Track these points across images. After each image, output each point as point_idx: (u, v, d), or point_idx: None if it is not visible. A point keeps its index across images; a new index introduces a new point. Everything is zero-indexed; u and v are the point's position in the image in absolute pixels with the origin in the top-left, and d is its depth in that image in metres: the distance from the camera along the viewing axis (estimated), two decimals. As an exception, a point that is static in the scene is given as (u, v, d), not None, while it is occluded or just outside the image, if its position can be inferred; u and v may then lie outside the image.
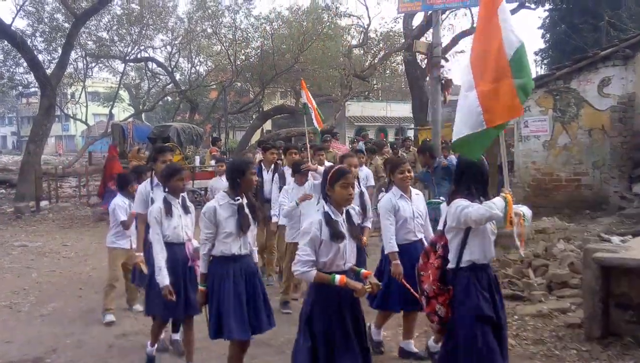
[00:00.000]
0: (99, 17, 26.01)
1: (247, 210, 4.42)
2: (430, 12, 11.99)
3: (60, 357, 5.59)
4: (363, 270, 3.96)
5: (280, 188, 7.37)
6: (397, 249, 5.03)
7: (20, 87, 30.18)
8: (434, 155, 7.94)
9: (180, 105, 33.68)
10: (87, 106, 36.64)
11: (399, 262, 4.98)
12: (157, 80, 35.99)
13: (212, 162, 14.63)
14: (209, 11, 26.72)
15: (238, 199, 4.39)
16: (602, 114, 11.63)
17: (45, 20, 24.58)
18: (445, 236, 4.05)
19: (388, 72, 28.92)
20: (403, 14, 19.72)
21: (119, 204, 6.58)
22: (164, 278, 4.70)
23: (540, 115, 12.36)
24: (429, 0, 9.30)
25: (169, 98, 38.07)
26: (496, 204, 3.74)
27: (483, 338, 3.74)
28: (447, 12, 21.65)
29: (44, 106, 17.62)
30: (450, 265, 3.97)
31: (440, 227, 4.30)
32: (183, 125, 18.11)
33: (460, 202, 3.87)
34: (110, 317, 6.46)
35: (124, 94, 41.68)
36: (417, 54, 16.94)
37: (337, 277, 3.71)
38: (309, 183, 6.68)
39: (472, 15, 22.65)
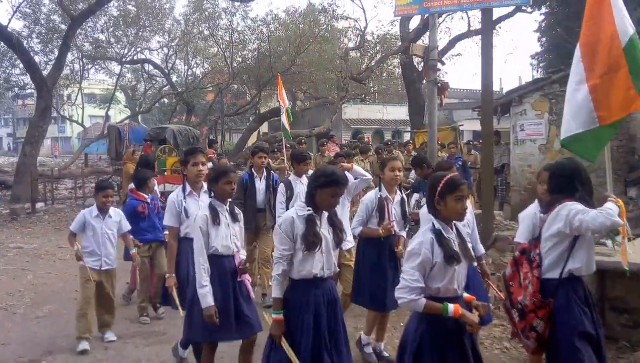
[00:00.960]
0: (96, 19, 26.00)
1: (319, 224, 3.72)
2: (426, 15, 11.99)
3: (56, 359, 5.59)
4: (465, 294, 3.48)
5: (289, 199, 6.54)
6: None
7: (16, 89, 30.11)
8: (429, 164, 7.70)
9: (177, 107, 33.67)
10: (83, 108, 36.59)
11: None
12: (154, 82, 36.01)
13: (209, 164, 14.63)
14: (206, 13, 26.76)
15: (309, 209, 3.69)
16: (597, 117, 11.67)
17: (42, 21, 24.54)
18: (538, 243, 3.77)
19: (384, 74, 28.98)
20: (400, 17, 19.77)
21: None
22: (207, 297, 4.07)
23: (536, 118, 12.38)
24: (426, 3, 9.30)
25: (166, 100, 38.09)
26: (613, 211, 3.50)
27: (585, 357, 3.50)
28: (444, 16, 21.71)
29: (40, 108, 17.59)
30: (551, 275, 3.70)
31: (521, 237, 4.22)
32: (179, 127, 18.11)
33: (575, 206, 3.54)
34: (84, 345, 5.71)
35: (120, 95, 41.65)
36: (413, 56, 16.96)
37: (451, 306, 3.22)
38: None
39: (468, 18, 22.74)
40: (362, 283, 5.28)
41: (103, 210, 5.95)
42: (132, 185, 7.23)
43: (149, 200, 6.74)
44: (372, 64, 24.50)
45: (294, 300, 3.67)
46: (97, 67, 32.55)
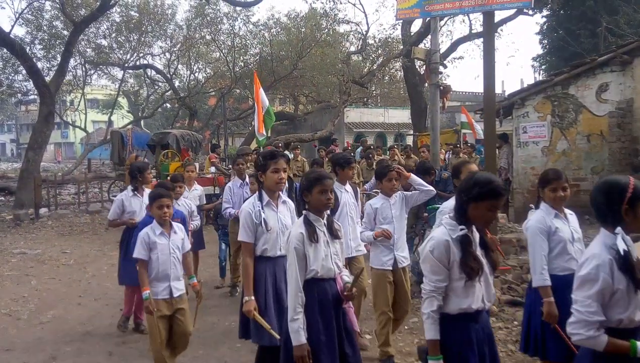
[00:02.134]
0: (98, 25, 26.09)
1: (475, 244, 3.07)
2: (428, 18, 12.01)
3: (60, 364, 5.59)
4: None
5: (334, 211, 5.44)
6: (549, 283, 4.09)
7: (19, 95, 30.21)
8: (431, 171, 7.66)
9: (179, 112, 33.72)
10: (86, 113, 36.67)
11: (552, 300, 4.04)
12: (156, 87, 36.06)
13: (212, 169, 14.65)
14: (208, 18, 26.81)
15: (463, 228, 3.02)
16: (600, 119, 11.67)
17: (44, 27, 24.61)
18: None
19: (387, 78, 28.99)
20: (401, 21, 19.79)
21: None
22: (299, 334, 3.42)
23: (539, 121, 12.39)
24: (427, 7, 9.31)
25: (168, 105, 38.17)
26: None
27: None
28: (446, 19, 21.73)
29: (43, 113, 17.64)
30: None
31: None
32: (182, 131, 18.12)
33: None
34: None
35: (123, 101, 41.78)
36: (415, 60, 16.97)
37: None
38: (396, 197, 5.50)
39: (470, 21, 22.75)
40: None
41: (165, 225, 4.88)
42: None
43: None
44: (374, 67, 24.49)
45: (451, 340, 3.05)
46: (99, 72, 32.61)
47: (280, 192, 4.37)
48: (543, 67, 28.30)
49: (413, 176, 5.41)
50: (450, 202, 5.19)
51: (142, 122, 36.34)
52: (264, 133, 10.70)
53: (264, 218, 4.21)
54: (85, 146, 36.54)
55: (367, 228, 5.40)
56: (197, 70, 32.79)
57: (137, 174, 6.64)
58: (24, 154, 19.51)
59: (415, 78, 21.90)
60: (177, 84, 32.31)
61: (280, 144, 15.51)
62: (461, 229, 2.99)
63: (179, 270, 4.90)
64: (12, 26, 24.04)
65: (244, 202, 6.18)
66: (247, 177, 7.53)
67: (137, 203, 6.47)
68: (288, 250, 3.59)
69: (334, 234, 3.71)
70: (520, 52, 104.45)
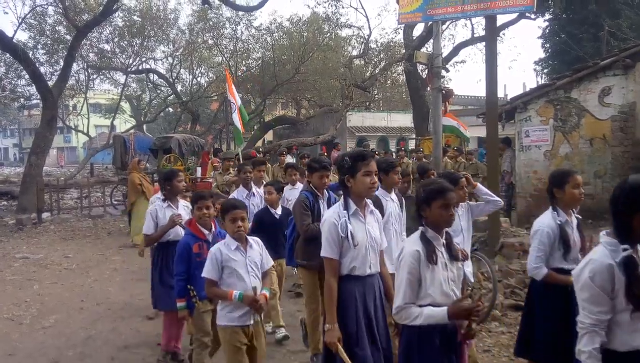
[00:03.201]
0: (101, 29, 26.16)
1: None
2: (430, 22, 12.03)
3: (62, 369, 5.58)
4: None
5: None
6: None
7: (22, 99, 30.29)
8: (431, 173, 7.62)
9: (182, 116, 33.79)
10: (88, 118, 36.77)
11: None
12: (159, 91, 36.16)
13: (212, 173, 14.64)
14: (210, 23, 26.89)
15: (626, 248, 2.52)
16: (603, 123, 11.65)
17: (47, 32, 24.71)
18: None
19: (389, 82, 29.00)
20: (403, 25, 19.81)
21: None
22: None
23: (541, 124, 12.37)
24: (429, 11, 9.32)
25: (171, 109, 38.21)
26: None
27: None
28: (448, 23, 21.76)
29: (45, 118, 17.67)
30: None
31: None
32: (184, 136, 18.14)
33: None
34: None
35: (125, 105, 41.87)
36: (417, 64, 16.99)
37: None
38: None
39: (472, 25, 22.79)
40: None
41: (241, 239, 4.16)
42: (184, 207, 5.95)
43: (210, 238, 4.79)
44: (376, 71, 24.53)
45: None
46: (102, 77, 32.71)
47: (367, 200, 3.77)
48: (545, 70, 28.33)
49: (479, 186, 5.17)
50: None
51: (144, 126, 36.38)
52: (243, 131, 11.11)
53: (350, 231, 3.56)
54: (88, 150, 36.56)
55: None
56: (200, 74, 32.89)
57: (164, 183, 5.86)
58: (27, 158, 19.55)
59: (418, 82, 21.93)
60: (179, 88, 32.38)
61: (284, 151, 15.38)
62: (624, 249, 2.51)
63: (259, 291, 4.09)
64: (15, 31, 24.19)
65: (251, 216, 6.06)
66: (253, 186, 6.92)
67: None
68: (399, 268, 3.14)
69: (453, 255, 3.19)
70: (523, 56, 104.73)
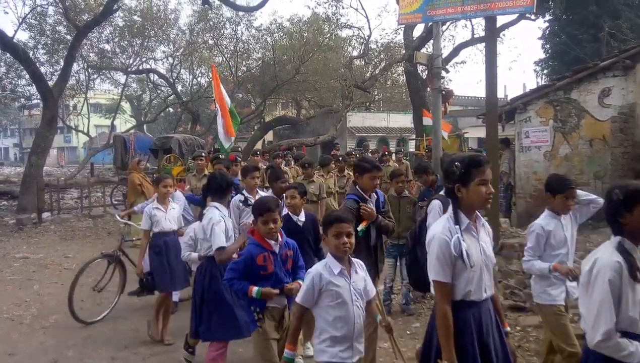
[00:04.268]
0: (101, 29, 26.14)
1: None
2: (430, 23, 12.03)
3: (62, 369, 5.59)
4: None
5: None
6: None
7: (22, 99, 30.27)
8: (432, 172, 7.67)
9: (182, 116, 33.80)
10: (89, 118, 36.78)
11: None
12: (159, 91, 36.17)
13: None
14: (211, 23, 26.87)
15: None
16: (602, 124, 11.66)
17: (48, 32, 24.69)
18: None
19: (389, 82, 28.98)
20: (403, 26, 19.81)
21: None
22: None
23: (541, 125, 12.38)
24: (429, 11, 9.32)
25: (171, 109, 38.23)
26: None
27: None
28: (448, 24, 21.75)
29: (46, 118, 17.67)
30: None
31: None
32: (185, 136, 18.15)
33: None
34: None
35: (125, 105, 41.89)
36: (417, 65, 16.99)
37: None
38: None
39: (472, 26, 22.78)
40: None
41: (344, 260, 3.56)
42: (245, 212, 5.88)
43: (277, 249, 4.25)
44: (377, 72, 24.50)
45: None
46: (102, 77, 32.72)
47: (477, 212, 3.26)
48: (545, 71, 28.34)
49: (578, 191, 4.72)
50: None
51: (144, 126, 36.40)
52: (231, 138, 9.94)
53: (465, 250, 3.03)
54: (88, 150, 36.61)
55: (534, 256, 4.43)
56: (200, 74, 32.84)
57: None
58: (27, 158, 19.56)
59: (418, 82, 21.91)
60: (179, 88, 32.38)
61: (281, 154, 15.10)
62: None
63: (362, 325, 3.56)
64: (16, 31, 24.15)
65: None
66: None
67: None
68: (594, 283, 2.74)
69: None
70: (523, 57, 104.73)
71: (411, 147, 22.77)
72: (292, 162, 12.90)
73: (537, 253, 4.38)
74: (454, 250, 3.01)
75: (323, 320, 3.47)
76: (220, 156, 10.45)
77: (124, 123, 44.29)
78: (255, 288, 4.03)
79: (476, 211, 3.20)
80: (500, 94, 12.41)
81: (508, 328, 3.34)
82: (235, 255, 4.72)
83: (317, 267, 3.54)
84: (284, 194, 5.61)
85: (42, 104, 18.82)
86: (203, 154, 10.41)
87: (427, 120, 16.91)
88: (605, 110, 11.62)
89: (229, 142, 9.75)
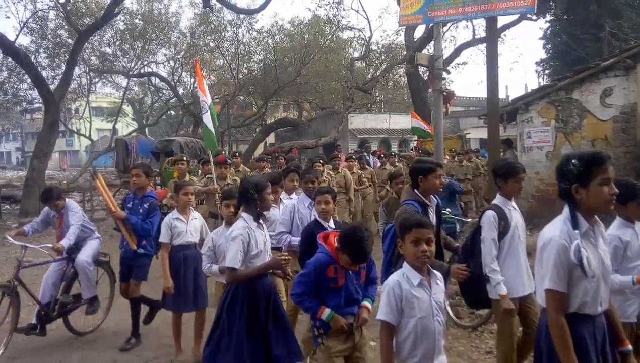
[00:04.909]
0: (102, 33, 26.24)
1: None
2: (431, 24, 12.05)
3: (65, 372, 5.59)
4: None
5: (504, 233, 4.48)
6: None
7: (24, 103, 30.35)
8: None
9: (184, 119, 33.86)
10: (90, 121, 36.86)
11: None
12: (160, 94, 36.24)
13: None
14: (212, 25, 26.93)
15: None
16: (604, 124, 11.64)
17: (49, 36, 24.77)
18: None
19: (390, 84, 29.04)
20: (404, 27, 19.83)
21: None
22: None
23: (543, 125, 12.36)
24: (430, 13, 9.33)
25: (172, 112, 38.29)
26: None
27: None
28: (449, 25, 21.78)
29: (48, 122, 17.71)
30: None
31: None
32: (186, 139, 18.20)
33: None
34: None
35: (127, 108, 41.96)
36: (419, 66, 17.01)
37: None
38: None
39: (473, 27, 22.81)
40: None
41: (423, 269, 3.25)
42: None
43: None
44: (378, 73, 24.56)
45: None
46: (104, 80, 32.84)
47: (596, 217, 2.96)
48: (547, 71, 28.37)
49: None
50: None
51: (146, 129, 36.49)
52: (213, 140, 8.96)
53: (585, 257, 2.75)
54: (90, 154, 36.69)
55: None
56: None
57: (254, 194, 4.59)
58: (29, 162, 19.60)
59: (419, 84, 21.95)
60: (181, 91, 32.45)
61: (266, 158, 14.53)
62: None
63: (443, 341, 3.28)
64: (17, 35, 24.06)
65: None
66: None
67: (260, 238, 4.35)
68: (541, 257, 2.79)
69: None
70: (524, 57, 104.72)
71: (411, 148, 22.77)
72: (283, 165, 12.68)
73: (614, 267, 3.79)
74: (574, 257, 2.75)
75: (400, 336, 3.16)
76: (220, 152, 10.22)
77: (126, 126, 44.39)
78: (326, 311, 3.67)
79: (595, 216, 2.92)
80: (501, 95, 12.43)
81: (629, 347, 3.00)
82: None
83: (394, 278, 3.20)
84: (316, 199, 5.06)
85: (43, 108, 18.88)
86: (185, 158, 9.73)
87: (415, 122, 16.91)
88: (607, 110, 11.60)
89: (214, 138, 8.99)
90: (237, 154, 12.68)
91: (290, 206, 5.66)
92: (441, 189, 4.56)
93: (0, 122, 59.66)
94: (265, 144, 30.23)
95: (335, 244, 3.74)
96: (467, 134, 21.50)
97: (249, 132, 39.21)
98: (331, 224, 4.99)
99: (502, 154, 12.49)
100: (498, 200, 4.44)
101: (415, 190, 4.42)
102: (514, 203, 4.46)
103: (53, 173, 39.06)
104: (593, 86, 11.75)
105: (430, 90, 16.41)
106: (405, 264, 3.21)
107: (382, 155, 16.24)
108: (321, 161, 9.81)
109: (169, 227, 5.70)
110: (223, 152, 13.29)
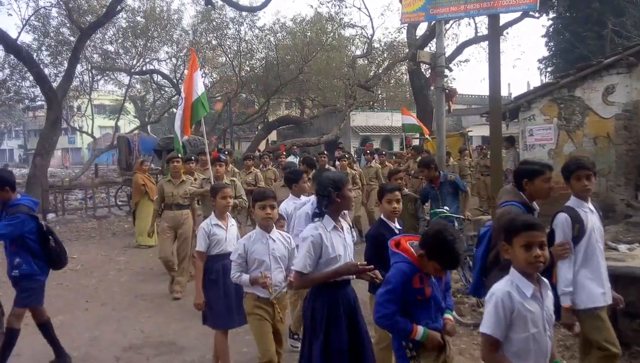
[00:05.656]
0: (105, 30, 26.19)
1: None
2: (433, 22, 12.02)
3: (67, 370, 5.60)
4: None
5: (579, 237, 4.05)
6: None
7: (26, 101, 30.33)
8: (437, 168, 7.82)
9: (186, 116, 33.79)
10: (93, 119, 36.83)
11: None
12: (163, 92, 36.24)
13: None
14: (214, 23, 26.90)
15: None
16: (607, 121, 11.62)
17: (51, 34, 24.76)
18: None
19: (392, 81, 29.01)
20: (406, 24, 19.81)
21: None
22: None
23: (545, 123, 12.35)
24: (432, 10, 9.30)
25: (174, 110, 38.17)
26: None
27: None
28: (451, 22, 21.75)
29: (50, 119, 17.71)
30: None
31: None
32: (189, 137, 18.17)
33: None
34: None
35: (129, 106, 41.98)
36: (421, 63, 16.99)
37: None
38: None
39: (475, 24, 22.77)
40: None
41: (533, 278, 2.85)
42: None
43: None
44: (380, 71, 24.52)
45: None
46: (106, 78, 32.79)
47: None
48: (549, 69, 28.28)
49: None
50: None
51: (148, 127, 36.51)
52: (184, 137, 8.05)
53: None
54: (93, 151, 36.71)
55: None
56: (203, 75, 32.79)
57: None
58: (32, 159, 19.60)
59: (421, 81, 21.94)
60: (183, 88, 32.39)
61: (251, 156, 13.86)
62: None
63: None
64: (19, 33, 24.15)
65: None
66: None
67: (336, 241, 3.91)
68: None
69: None
70: (527, 55, 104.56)
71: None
72: (270, 164, 12.48)
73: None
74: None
75: (508, 354, 2.78)
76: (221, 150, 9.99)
77: (128, 124, 44.43)
78: (420, 330, 3.25)
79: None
80: (504, 92, 12.47)
81: None
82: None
83: (502, 286, 2.80)
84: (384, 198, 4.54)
85: (46, 106, 18.88)
86: (179, 156, 8.90)
87: (407, 119, 16.85)
88: (609, 107, 11.58)
89: (180, 141, 8.45)
90: (226, 152, 12.43)
91: (306, 212, 5.15)
92: (549, 195, 4.14)
93: (3, 119, 59.80)
94: (267, 141, 30.23)
95: (413, 249, 3.30)
96: (469, 131, 21.44)
97: (251, 130, 39.22)
98: (397, 224, 4.55)
99: (504, 151, 12.49)
100: (572, 201, 4.09)
101: (522, 192, 4.10)
102: (590, 205, 4.09)
103: (55, 170, 39.11)
104: (595, 84, 11.73)
105: (432, 87, 16.38)
106: (513, 272, 2.82)
107: (368, 152, 16.11)
108: (326, 153, 9.70)
109: (206, 235, 5.10)
110: (225, 151, 13.19)
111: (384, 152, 15.51)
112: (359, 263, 3.78)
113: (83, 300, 8.16)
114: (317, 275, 3.76)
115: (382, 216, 4.53)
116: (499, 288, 2.78)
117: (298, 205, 5.69)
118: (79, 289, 8.79)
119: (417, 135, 21.18)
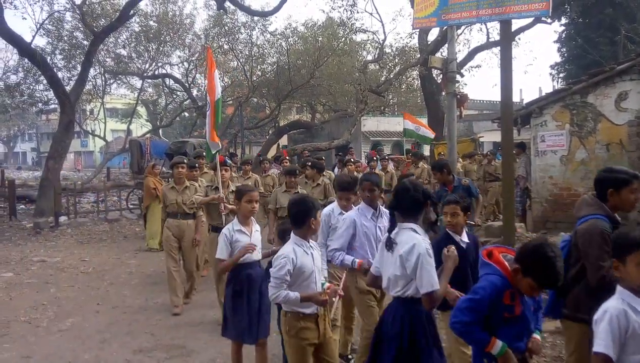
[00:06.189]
0: (118, 34, 26.42)
1: None
2: (445, 27, 12.00)
3: (78, 372, 5.63)
4: None
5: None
6: None
7: (40, 104, 30.62)
8: (451, 172, 7.81)
9: (197, 120, 33.97)
10: (105, 122, 37.08)
11: None
12: (174, 96, 36.39)
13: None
14: (226, 28, 27.02)
15: None
16: (619, 128, 11.54)
17: (65, 38, 24.97)
18: None
19: (404, 87, 28.99)
20: (418, 30, 19.80)
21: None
22: None
23: (557, 129, 12.28)
24: (444, 15, 9.29)
25: (186, 114, 38.45)
26: None
27: None
28: (463, 28, 21.71)
29: (63, 123, 17.84)
30: None
31: None
32: (200, 140, 18.23)
33: None
34: None
35: (141, 110, 42.19)
36: (432, 69, 16.96)
37: None
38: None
39: (487, 30, 22.70)
40: None
41: None
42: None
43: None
44: (391, 76, 24.51)
45: None
46: (118, 82, 33.05)
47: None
48: (561, 75, 28.18)
49: None
50: None
51: (160, 130, 36.62)
52: (218, 145, 7.66)
53: None
54: (105, 155, 36.89)
55: None
56: (215, 79, 32.99)
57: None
58: (45, 162, 19.76)
59: (433, 87, 21.87)
60: (195, 93, 32.56)
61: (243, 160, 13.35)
62: None
63: None
64: (33, 37, 24.34)
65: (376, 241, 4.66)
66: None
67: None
68: None
69: None
70: (539, 60, 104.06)
71: (425, 151, 22.61)
72: (269, 170, 12.29)
73: None
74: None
75: None
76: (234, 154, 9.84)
77: (140, 127, 44.62)
78: (498, 344, 2.99)
79: None
80: (515, 98, 12.38)
81: None
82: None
83: (617, 305, 2.61)
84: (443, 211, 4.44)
85: (59, 109, 19.00)
86: (185, 161, 8.24)
87: (408, 124, 16.75)
88: (622, 114, 11.51)
89: (217, 148, 7.68)
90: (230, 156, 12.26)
91: (350, 221, 4.85)
92: (634, 207, 3.74)
93: (16, 122, 60.23)
94: (278, 145, 30.27)
95: (507, 263, 3.06)
96: (481, 137, 21.39)
97: (262, 134, 39.30)
98: (464, 238, 4.45)
99: (516, 156, 12.45)
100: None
101: (606, 204, 3.66)
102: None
103: (68, 173, 39.36)
104: (608, 90, 11.66)
105: (443, 93, 16.36)
106: (623, 291, 2.64)
107: (375, 158, 14.90)
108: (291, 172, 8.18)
109: (228, 241, 4.76)
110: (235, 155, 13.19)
111: (386, 157, 15.48)
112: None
113: (94, 302, 8.20)
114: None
115: (447, 230, 4.41)
116: (613, 305, 2.60)
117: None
118: (90, 292, 8.83)
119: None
